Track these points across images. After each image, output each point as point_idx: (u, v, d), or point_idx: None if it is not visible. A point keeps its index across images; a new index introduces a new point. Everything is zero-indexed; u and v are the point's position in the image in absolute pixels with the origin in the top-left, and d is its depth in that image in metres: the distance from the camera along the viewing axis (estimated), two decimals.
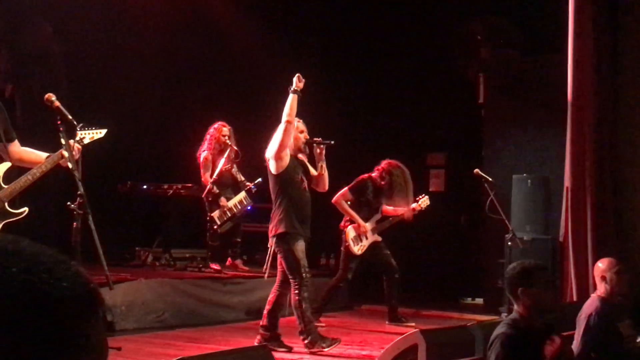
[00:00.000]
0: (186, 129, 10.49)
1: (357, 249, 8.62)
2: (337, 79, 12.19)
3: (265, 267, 8.50)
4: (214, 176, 9.26)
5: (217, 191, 9.28)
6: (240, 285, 9.16)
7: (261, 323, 6.98)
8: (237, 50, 11.56)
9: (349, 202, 8.63)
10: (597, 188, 8.85)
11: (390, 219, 8.98)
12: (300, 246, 6.73)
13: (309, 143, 7.02)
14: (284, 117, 6.73)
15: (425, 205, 9.07)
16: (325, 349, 6.72)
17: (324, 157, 7.00)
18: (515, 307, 4.20)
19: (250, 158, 9.91)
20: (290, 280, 6.77)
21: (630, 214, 9.12)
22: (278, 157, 6.75)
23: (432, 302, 10.64)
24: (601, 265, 5.75)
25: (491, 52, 10.35)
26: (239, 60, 11.68)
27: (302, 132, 6.98)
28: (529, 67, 10.48)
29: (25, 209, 5.43)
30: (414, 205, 8.99)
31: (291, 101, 6.75)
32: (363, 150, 8.71)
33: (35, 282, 1.04)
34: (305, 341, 6.76)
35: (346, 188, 8.58)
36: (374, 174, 8.82)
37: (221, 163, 9.33)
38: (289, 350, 6.83)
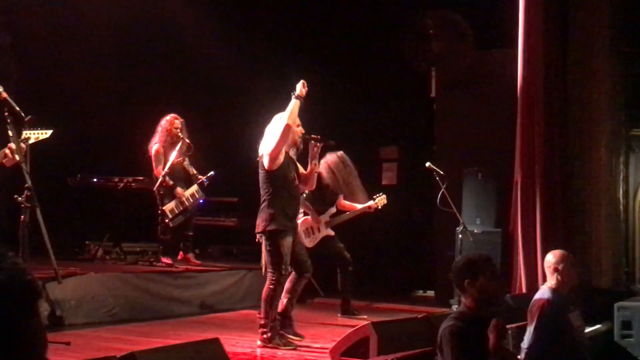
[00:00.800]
0: (137, 121, 10.39)
1: (309, 241, 8.63)
2: (287, 73, 12.14)
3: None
4: (166, 169, 9.20)
5: (172, 182, 9.25)
6: (192, 279, 9.11)
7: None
8: (189, 43, 11.47)
9: (303, 195, 8.60)
10: (546, 182, 8.98)
11: (347, 213, 8.98)
12: (287, 242, 6.79)
13: (305, 139, 7.02)
14: (284, 120, 6.72)
15: (382, 204, 9.05)
16: (281, 347, 6.72)
17: (317, 156, 7.06)
18: (463, 299, 4.23)
19: (202, 151, 9.86)
20: (269, 273, 6.83)
21: (578, 208, 9.28)
22: (274, 155, 6.75)
23: (383, 295, 10.70)
24: (553, 257, 5.84)
25: (443, 47, 10.40)
26: (191, 52, 11.60)
27: (298, 125, 6.97)
28: (481, 61, 10.56)
29: None
30: (370, 202, 8.98)
31: (293, 106, 6.77)
32: None
33: None
34: (264, 335, 6.76)
35: None
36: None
37: (173, 156, 9.26)
38: (301, 338, 6.95)
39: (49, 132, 5.86)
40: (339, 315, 8.82)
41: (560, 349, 5.58)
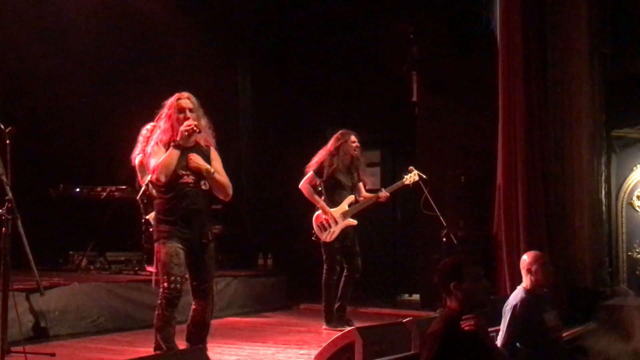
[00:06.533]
0: (119, 130, 10.35)
1: (325, 235, 8.17)
2: (270, 78, 12.19)
3: None
4: (149, 179, 9.17)
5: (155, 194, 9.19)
6: None
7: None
8: (169, 50, 11.46)
9: (320, 188, 8.21)
10: (528, 184, 9.01)
11: (362, 199, 8.41)
12: None
13: None
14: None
15: (414, 180, 8.51)
16: None
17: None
18: (448, 302, 4.26)
19: None
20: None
21: (561, 209, 9.32)
22: None
23: (369, 299, 10.70)
24: (526, 258, 5.98)
25: (423, 51, 10.45)
26: (172, 60, 11.58)
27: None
28: (461, 65, 10.59)
29: None
30: (404, 179, 8.58)
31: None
32: (299, 148, 8.70)
33: None
34: None
35: (311, 172, 8.19)
36: (330, 147, 8.29)
37: None
38: None
39: None
40: (324, 325, 8.36)
41: (534, 348, 5.66)
